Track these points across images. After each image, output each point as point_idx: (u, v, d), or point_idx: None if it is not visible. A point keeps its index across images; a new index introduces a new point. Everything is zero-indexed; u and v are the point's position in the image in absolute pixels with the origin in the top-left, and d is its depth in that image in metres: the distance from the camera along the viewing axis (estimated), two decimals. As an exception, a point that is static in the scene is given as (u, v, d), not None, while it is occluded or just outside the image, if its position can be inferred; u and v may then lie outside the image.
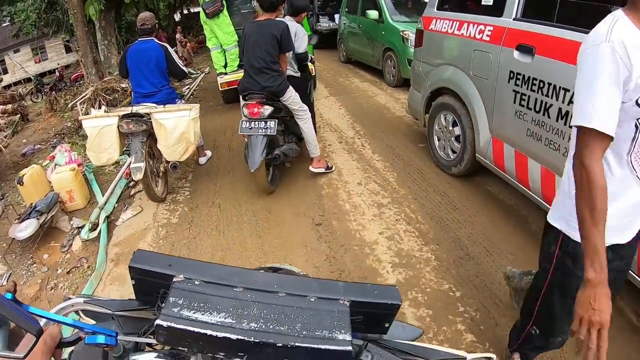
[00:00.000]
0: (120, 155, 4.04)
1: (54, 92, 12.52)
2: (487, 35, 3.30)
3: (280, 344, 0.65)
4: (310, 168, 4.29)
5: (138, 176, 3.72)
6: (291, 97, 3.86)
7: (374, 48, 8.48)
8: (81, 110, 7.14)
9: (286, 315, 0.70)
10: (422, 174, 4.21)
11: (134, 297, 0.85)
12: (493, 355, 0.85)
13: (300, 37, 4.00)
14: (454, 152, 4.01)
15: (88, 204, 4.58)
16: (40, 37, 22.58)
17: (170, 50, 4.27)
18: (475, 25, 3.45)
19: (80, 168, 4.97)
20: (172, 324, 0.67)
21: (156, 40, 4.22)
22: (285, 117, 4.04)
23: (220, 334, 0.66)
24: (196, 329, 0.67)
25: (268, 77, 3.66)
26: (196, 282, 0.75)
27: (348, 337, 0.67)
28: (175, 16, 25.21)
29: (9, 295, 0.67)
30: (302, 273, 1.27)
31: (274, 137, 3.83)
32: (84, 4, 7.42)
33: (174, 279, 0.75)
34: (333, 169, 4.42)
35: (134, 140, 3.79)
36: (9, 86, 22.74)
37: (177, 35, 15.38)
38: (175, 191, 4.51)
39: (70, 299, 0.87)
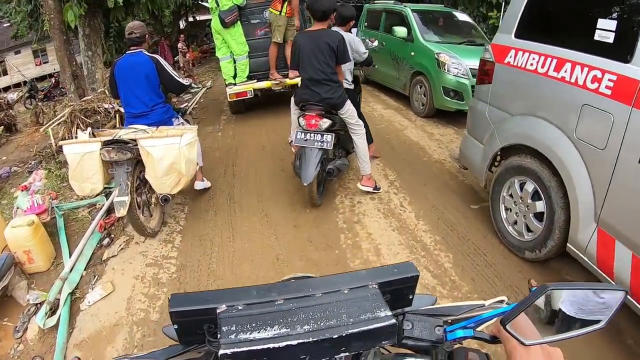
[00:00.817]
0: (108, 185, 3.73)
1: (40, 102, 11.55)
2: (607, 87, 2.33)
3: (336, 336, 0.72)
4: (359, 186, 4.21)
5: (122, 212, 3.29)
6: (348, 111, 3.83)
7: (400, 70, 7.52)
8: (53, 134, 6.14)
9: (330, 310, 0.76)
10: (484, 255, 3.22)
11: (177, 343, 0.86)
12: (505, 297, 0.92)
13: (357, 42, 4.21)
14: (530, 231, 3.03)
15: (52, 265, 3.69)
16: (42, 40, 22.07)
17: (163, 62, 3.89)
18: (586, 69, 2.46)
19: (44, 216, 4.13)
20: (236, 349, 0.70)
21: (145, 52, 3.84)
22: (339, 131, 3.94)
23: (282, 344, 0.70)
24: (259, 347, 0.70)
25: (328, 89, 3.66)
26: (239, 307, 0.79)
27: (389, 312, 0.75)
28: (180, 23, 24.51)
29: None
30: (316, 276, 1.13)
31: (327, 151, 3.76)
32: (62, 8, 6.43)
33: (218, 310, 0.78)
34: (380, 190, 4.28)
35: (118, 170, 3.40)
36: (7, 88, 22.06)
37: (179, 44, 14.44)
38: (166, 234, 3.91)
39: None
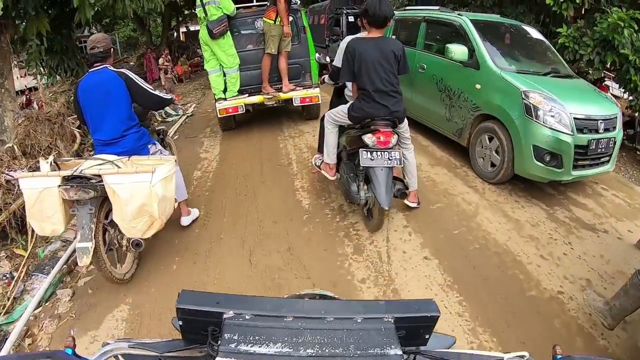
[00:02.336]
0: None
1: None
2: None
3: None
4: (407, 202, 4.19)
5: (84, 261, 2.97)
6: (406, 124, 3.81)
7: (454, 109, 5.33)
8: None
9: (338, 338, 0.77)
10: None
11: (180, 338, 0.88)
12: (526, 353, 0.89)
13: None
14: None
15: None
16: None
17: (132, 75, 3.49)
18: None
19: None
20: None
21: (110, 68, 3.43)
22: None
23: None
24: None
25: (395, 101, 3.54)
26: (247, 317, 0.80)
27: (399, 352, 0.76)
28: (181, 34, 24.21)
29: (69, 351, 0.85)
30: (335, 297, 1.26)
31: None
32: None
33: (224, 316, 0.79)
34: (420, 206, 4.22)
35: (81, 210, 3.05)
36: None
37: (160, 60, 13.52)
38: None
39: (108, 344, 0.93)
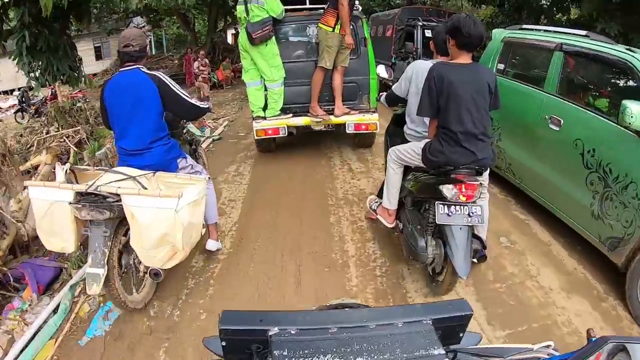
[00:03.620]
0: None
1: (31, 118, 10.39)
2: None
3: None
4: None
5: (94, 289, 2.78)
6: (487, 173, 3.30)
7: (611, 204, 3.30)
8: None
9: (384, 344, 0.80)
10: None
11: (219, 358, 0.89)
12: (551, 342, 0.97)
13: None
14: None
15: None
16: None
17: (166, 80, 3.20)
18: None
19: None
20: None
21: (144, 70, 3.16)
22: None
23: None
24: None
25: (484, 146, 3.00)
26: (292, 332, 0.81)
27: (442, 351, 0.79)
28: (229, 36, 23.76)
29: None
30: (365, 304, 1.30)
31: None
32: None
33: (270, 333, 0.80)
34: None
35: (94, 232, 2.85)
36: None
37: (195, 63, 12.31)
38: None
39: None
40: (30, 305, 3.80)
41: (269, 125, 5.55)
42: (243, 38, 5.26)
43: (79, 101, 8.76)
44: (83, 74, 7.02)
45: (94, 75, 25.36)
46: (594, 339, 0.82)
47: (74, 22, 7.49)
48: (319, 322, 0.83)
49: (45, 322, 3.31)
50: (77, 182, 3.10)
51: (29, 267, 3.98)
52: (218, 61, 15.55)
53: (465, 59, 2.99)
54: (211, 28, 17.68)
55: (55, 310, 3.40)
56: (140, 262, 3.12)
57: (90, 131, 7.84)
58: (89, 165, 4.62)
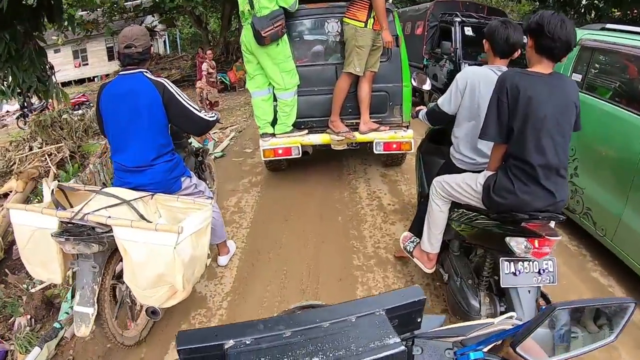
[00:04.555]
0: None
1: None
2: None
3: None
4: None
5: (82, 330, 2.51)
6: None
7: None
8: None
9: (338, 340, 0.81)
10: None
11: None
12: (513, 313, 1.02)
13: None
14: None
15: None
16: (82, 39, 21.37)
17: (172, 88, 2.85)
18: None
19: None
20: None
21: (147, 75, 2.82)
22: None
23: None
24: None
25: (563, 184, 2.44)
26: (247, 342, 0.83)
27: (397, 340, 0.81)
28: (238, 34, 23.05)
29: None
30: (324, 304, 1.30)
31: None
32: None
33: (226, 346, 0.82)
34: None
35: (82, 266, 2.59)
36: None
37: (204, 64, 11.06)
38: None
39: None
40: None
41: (279, 144, 4.58)
42: (247, 37, 4.29)
43: (67, 111, 7.95)
44: (55, 83, 6.05)
45: (107, 76, 25.29)
46: (543, 307, 0.93)
47: (46, 25, 6.50)
48: (273, 328, 0.85)
49: None
50: (69, 202, 2.89)
51: None
52: (232, 61, 14.78)
53: (545, 67, 2.38)
54: (224, 27, 17.00)
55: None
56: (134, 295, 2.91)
57: (76, 146, 7.08)
58: (81, 183, 4.01)
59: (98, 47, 26.62)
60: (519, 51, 2.76)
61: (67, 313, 3.47)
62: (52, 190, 2.81)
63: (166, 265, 2.43)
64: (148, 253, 2.43)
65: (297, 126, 4.65)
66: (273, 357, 0.78)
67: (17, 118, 14.11)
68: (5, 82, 5.67)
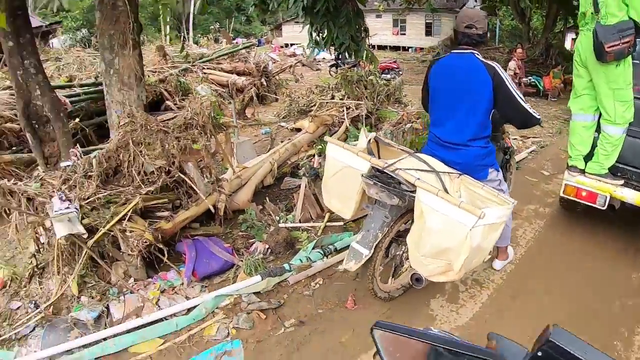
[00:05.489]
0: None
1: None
2: None
3: None
4: None
5: (350, 265, 2.84)
6: None
7: None
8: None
9: None
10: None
11: None
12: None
13: None
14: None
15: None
16: (403, 9, 22.47)
17: (503, 74, 2.85)
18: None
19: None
20: None
21: (479, 57, 2.89)
22: None
23: None
24: None
25: None
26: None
27: None
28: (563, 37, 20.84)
29: None
30: None
31: None
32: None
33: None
34: None
35: (375, 213, 2.93)
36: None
37: (512, 62, 10.62)
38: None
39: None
40: (182, 284, 3.60)
41: (585, 185, 3.84)
42: (584, 45, 3.55)
43: (375, 73, 8.28)
44: (368, 45, 6.24)
45: (421, 49, 26.26)
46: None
47: None
48: None
49: (174, 315, 3.26)
50: (378, 156, 3.08)
51: (195, 249, 3.74)
52: (550, 65, 13.38)
53: None
54: (548, 26, 15.51)
55: (188, 311, 3.31)
56: (407, 259, 3.07)
57: (374, 108, 7.29)
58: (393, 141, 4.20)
59: (417, 21, 27.67)
60: None
61: (300, 260, 3.70)
62: (370, 139, 3.11)
63: (455, 242, 2.51)
64: (443, 224, 2.51)
65: (613, 171, 3.77)
66: None
67: (330, 67, 15.73)
68: (320, 34, 6.13)
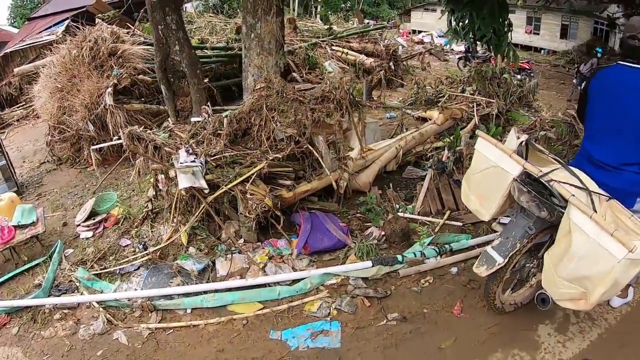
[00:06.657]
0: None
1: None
2: None
3: None
4: None
5: (481, 271, 2.77)
6: None
7: None
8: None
9: None
10: None
11: None
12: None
13: None
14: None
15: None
16: (540, 7, 21.09)
17: None
18: None
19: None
20: None
21: None
22: None
23: None
24: None
25: None
26: None
27: None
28: None
29: None
30: None
31: None
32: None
33: None
34: None
35: (518, 221, 2.82)
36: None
37: None
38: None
39: None
40: (290, 254, 3.67)
41: None
42: None
43: (509, 72, 7.82)
44: (510, 41, 5.81)
45: (554, 52, 24.69)
46: None
47: None
48: None
49: (277, 283, 3.34)
50: (526, 159, 2.89)
51: (311, 222, 3.79)
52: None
53: None
54: None
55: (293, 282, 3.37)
56: (535, 274, 3.04)
57: (505, 109, 6.98)
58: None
59: (553, 22, 25.83)
60: None
61: (414, 254, 3.63)
62: (522, 142, 2.87)
63: (599, 271, 2.36)
64: (589, 249, 2.37)
65: None
66: None
67: (459, 59, 15.31)
68: (461, 23, 5.83)
